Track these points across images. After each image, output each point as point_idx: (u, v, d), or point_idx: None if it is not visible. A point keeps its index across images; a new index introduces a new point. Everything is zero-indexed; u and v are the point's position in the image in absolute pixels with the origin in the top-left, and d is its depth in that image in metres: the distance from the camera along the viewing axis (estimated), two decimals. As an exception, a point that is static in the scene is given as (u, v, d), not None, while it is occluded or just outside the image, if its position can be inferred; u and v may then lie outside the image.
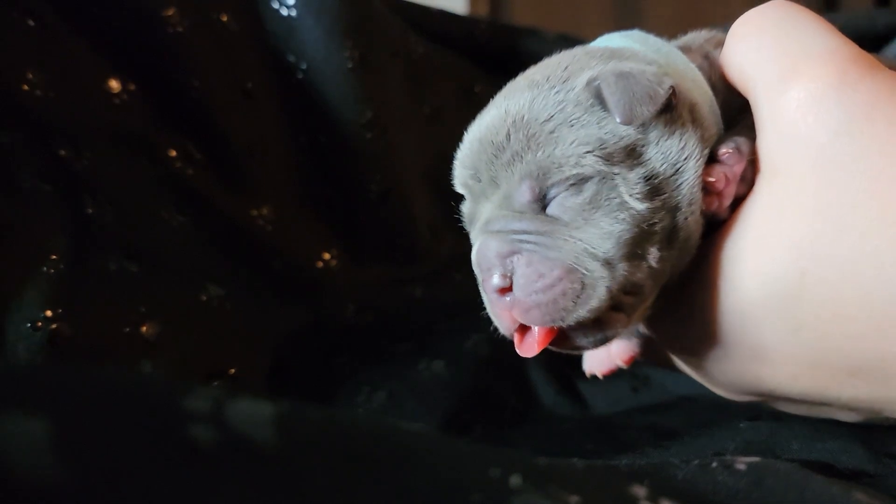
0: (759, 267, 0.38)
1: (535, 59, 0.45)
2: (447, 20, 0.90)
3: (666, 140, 0.39)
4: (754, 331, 0.39)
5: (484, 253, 0.40)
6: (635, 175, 0.39)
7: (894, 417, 0.40)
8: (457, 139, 0.44)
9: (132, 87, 0.62)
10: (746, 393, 0.45)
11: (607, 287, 0.38)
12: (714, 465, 0.34)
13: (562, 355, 0.46)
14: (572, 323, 0.38)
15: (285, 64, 0.72)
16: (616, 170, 0.39)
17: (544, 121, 0.39)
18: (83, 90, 0.59)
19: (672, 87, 0.39)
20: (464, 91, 0.87)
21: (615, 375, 0.69)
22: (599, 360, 0.54)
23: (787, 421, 0.49)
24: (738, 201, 0.41)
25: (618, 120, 0.38)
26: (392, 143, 0.75)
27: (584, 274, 0.38)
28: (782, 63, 0.38)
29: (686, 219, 0.40)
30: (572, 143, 0.39)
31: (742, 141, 0.41)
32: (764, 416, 0.52)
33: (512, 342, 0.41)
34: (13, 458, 0.17)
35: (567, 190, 0.39)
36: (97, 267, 0.55)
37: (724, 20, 0.48)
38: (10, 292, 0.50)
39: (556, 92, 0.40)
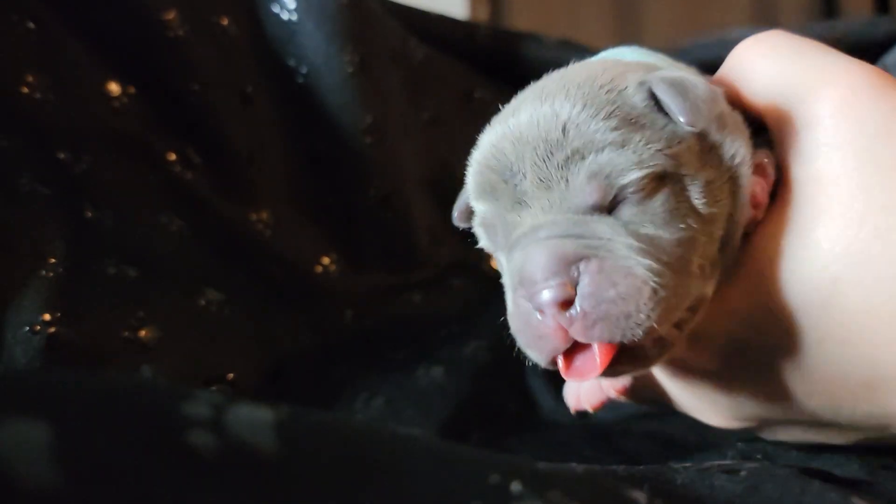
0: (791, 276, 0.37)
1: (535, 64, 0.44)
2: (447, 25, 0.90)
3: (720, 146, 0.38)
4: (777, 344, 0.38)
5: (540, 261, 0.35)
6: (700, 179, 0.37)
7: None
8: (457, 145, 0.42)
9: (132, 90, 0.62)
10: (748, 418, 0.44)
11: (679, 299, 0.35)
12: (713, 470, 0.35)
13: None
14: (641, 337, 0.34)
15: (285, 68, 0.72)
16: (683, 171, 0.36)
17: (605, 118, 0.36)
18: (83, 93, 0.59)
19: (722, 91, 0.38)
20: (464, 96, 0.87)
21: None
22: (590, 392, 0.48)
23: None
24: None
25: (682, 120, 0.36)
26: (391, 149, 0.75)
27: (657, 285, 0.34)
28: (809, 75, 0.38)
29: (735, 227, 0.38)
30: (640, 141, 0.36)
31: (766, 152, 0.40)
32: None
33: (522, 358, 0.38)
34: (13, 464, 0.17)
35: (639, 192, 0.36)
36: (96, 271, 0.55)
37: (722, 26, 0.48)
38: (9, 296, 0.50)
39: (608, 92, 0.37)
